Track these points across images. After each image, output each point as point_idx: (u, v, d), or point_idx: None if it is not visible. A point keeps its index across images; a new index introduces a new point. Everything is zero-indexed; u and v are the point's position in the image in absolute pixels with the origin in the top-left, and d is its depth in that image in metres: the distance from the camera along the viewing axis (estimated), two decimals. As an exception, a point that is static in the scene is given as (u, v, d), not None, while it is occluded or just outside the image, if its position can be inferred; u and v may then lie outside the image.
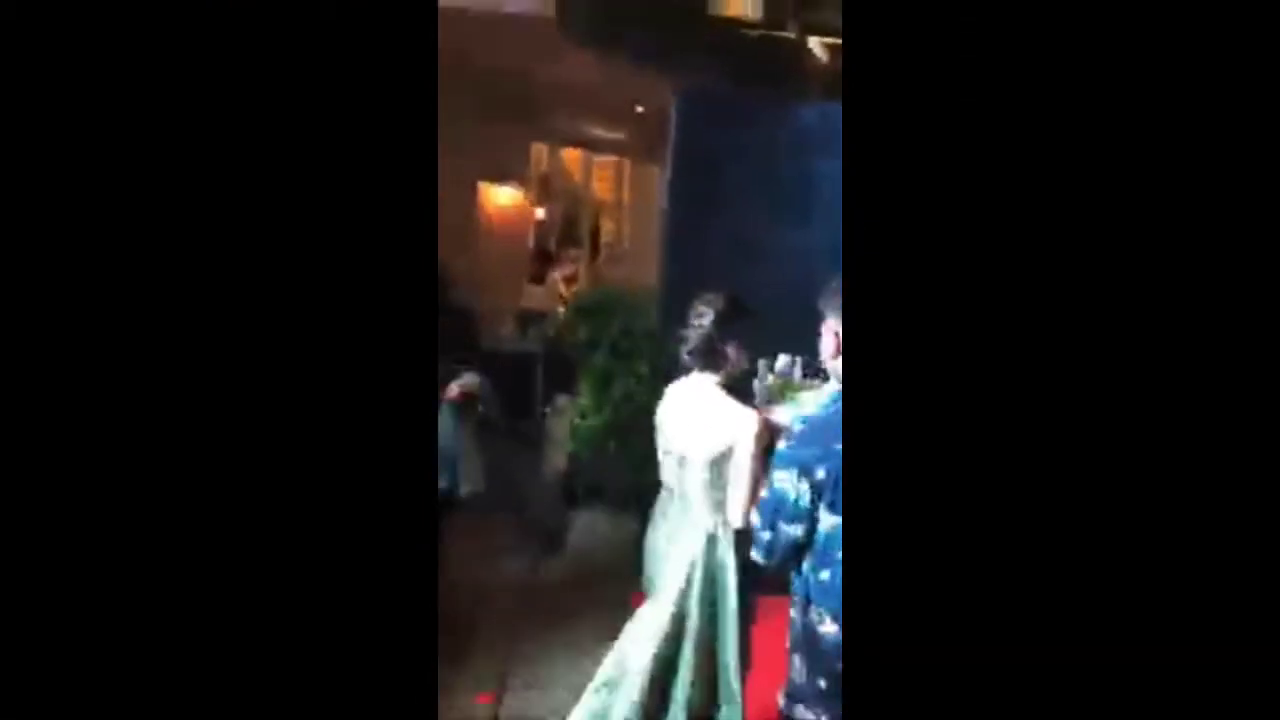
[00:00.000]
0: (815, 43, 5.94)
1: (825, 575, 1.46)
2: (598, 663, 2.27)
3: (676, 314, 3.17)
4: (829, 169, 3.17)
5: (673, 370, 2.04)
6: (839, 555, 1.43)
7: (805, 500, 1.47)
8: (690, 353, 2.06)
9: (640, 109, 6.73)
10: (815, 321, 1.68)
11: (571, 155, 9.45)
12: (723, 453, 1.89)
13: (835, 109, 3.86)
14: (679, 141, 3.18)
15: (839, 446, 1.44)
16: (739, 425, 1.89)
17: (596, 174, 9.85)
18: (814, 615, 1.51)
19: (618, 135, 8.16)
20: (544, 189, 8.91)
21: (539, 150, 8.58)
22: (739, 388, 2.05)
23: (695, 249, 3.13)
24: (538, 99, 6.54)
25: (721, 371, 2.04)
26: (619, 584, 3.41)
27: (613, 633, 3.16)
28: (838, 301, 1.58)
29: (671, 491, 2.10)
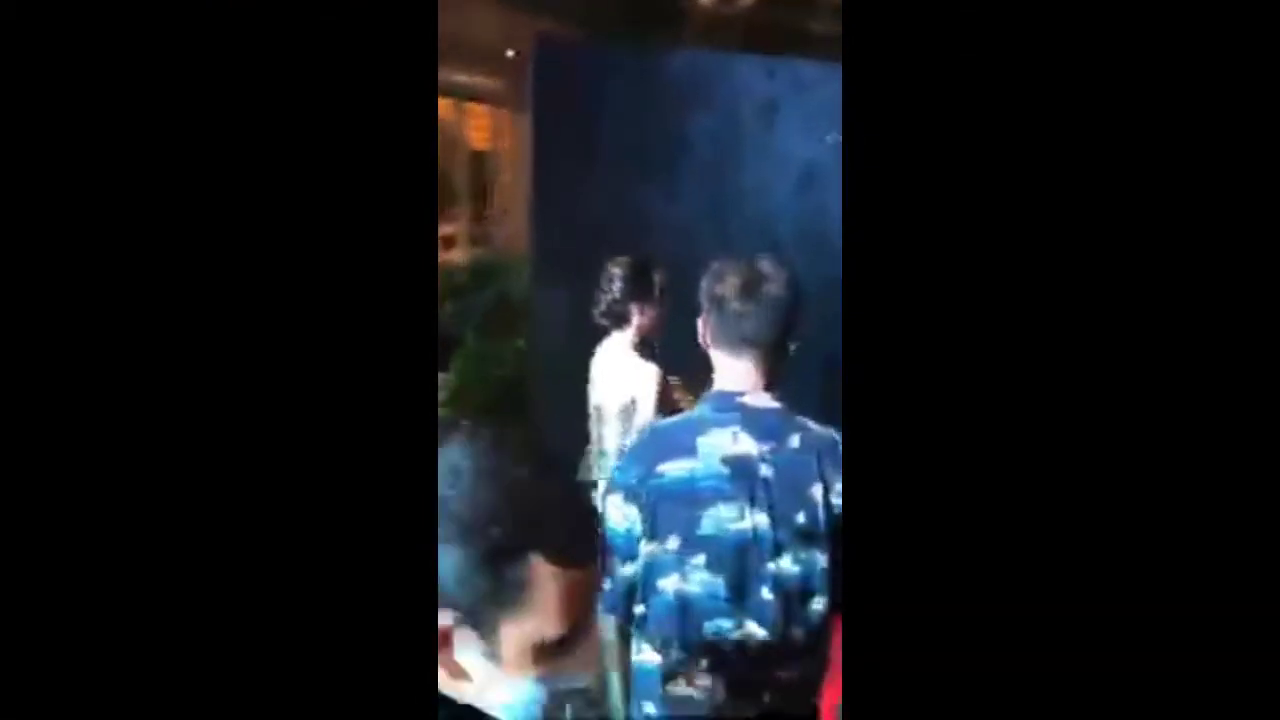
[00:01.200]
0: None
1: (640, 609, 1.33)
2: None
3: (548, 280, 2.96)
4: (703, 125, 2.94)
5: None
6: (658, 584, 1.30)
7: (636, 530, 1.31)
8: (602, 315, 2.17)
9: (511, 54, 6.34)
10: (694, 297, 1.46)
11: (442, 103, 8.86)
12: (626, 405, 2.03)
13: (705, 56, 3.64)
14: (540, 93, 2.89)
15: (664, 466, 1.30)
16: (639, 379, 2.03)
17: (472, 124, 9.31)
18: (634, 647, 1.36)
19: (490, 82, 7.71)
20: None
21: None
22: (652, 344, 2.16)
23: (565, 211, 2.87)
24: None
25: (630, 330, 2.16)
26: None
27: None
28: (717, 292, 1.36)
29: (593, 445, 2.24)
